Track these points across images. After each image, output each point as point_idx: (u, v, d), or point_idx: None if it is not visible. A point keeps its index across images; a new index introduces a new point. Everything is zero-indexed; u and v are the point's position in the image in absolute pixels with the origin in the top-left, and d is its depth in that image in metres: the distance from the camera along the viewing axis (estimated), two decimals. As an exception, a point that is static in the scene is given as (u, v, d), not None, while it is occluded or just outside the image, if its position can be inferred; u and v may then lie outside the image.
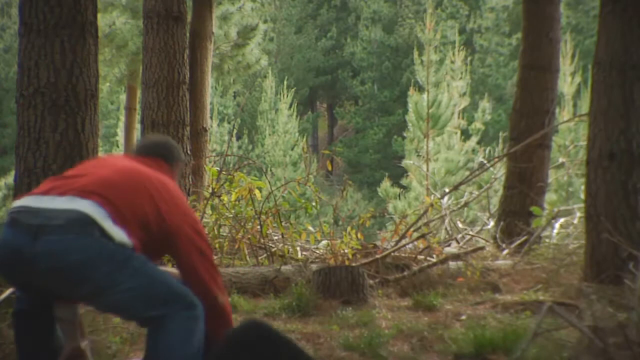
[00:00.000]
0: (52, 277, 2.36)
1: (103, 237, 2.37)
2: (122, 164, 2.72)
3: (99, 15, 5.49)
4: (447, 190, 10.09)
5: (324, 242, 6.58)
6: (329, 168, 13.96)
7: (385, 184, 17.85)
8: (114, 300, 2.39)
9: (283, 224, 6.35)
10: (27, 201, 2.49)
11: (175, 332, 2.40)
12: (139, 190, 2.55)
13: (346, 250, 5.98)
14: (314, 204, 6.59)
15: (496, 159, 9.86)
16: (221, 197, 6.45)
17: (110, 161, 2.85)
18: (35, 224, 2.36)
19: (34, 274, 2.36)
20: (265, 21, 22.99)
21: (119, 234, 2.40)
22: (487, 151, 15.80)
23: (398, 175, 19.73)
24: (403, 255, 6.11)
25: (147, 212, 2.52)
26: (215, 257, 6.34)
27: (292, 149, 22.90)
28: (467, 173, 12.76)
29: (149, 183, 2.59)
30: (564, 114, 15.02)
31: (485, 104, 19.63)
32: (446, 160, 16.11)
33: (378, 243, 6.57)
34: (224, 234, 6.43)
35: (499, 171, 9.32)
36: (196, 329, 2.46)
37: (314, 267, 5.49)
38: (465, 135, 17.76)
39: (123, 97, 18.81)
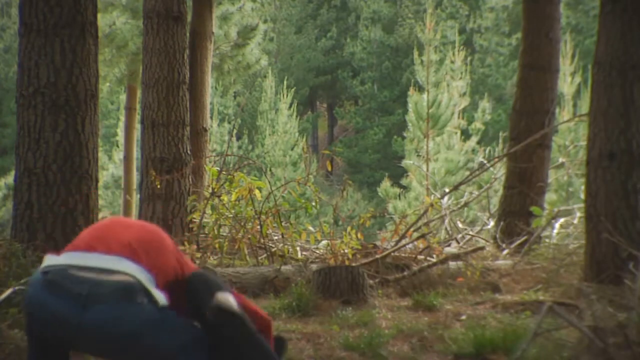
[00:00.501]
0: (98, 346, 2.33)
1: (150, 302, 2.33)
2: (139, 222, 2.74)
3: (99, 15, 5.49)
4: (447, 190, 10.09)
5: (324, 242, 6.58)
6: (329, 168, 13.97)
7: (385, 184, 17.85)
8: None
9: (283, 224, 6.35)
10: (70, 259, 2.39)
11: None
12: (166, 247, 2.57)
13: (346, 250, 5.98)
14: (314, 204, 6.59)
15: (496, 159, 9.86)
16: (221, 197, 6.45)
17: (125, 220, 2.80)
18: (84, 293, 2.28)
19: (75, 341, 2.31)
20: (265, 21, 23.00)
21: (161, 298, 2.38)
22: (487, 151, 15.80)
23: (398, 175, 19.73)
24: (403, 255, 6.11)
25: (174, 268, 2.55)
26: (215, 257, 6.36)
27: (292, 149, 22.89)
28: (467, 173, 12.76)
29: (167, 239, 2.64)
30: (564, 114, 15.02)
31: (485, 104, 19.63)
32: (446, 160, 16.11)
33: (378, 243, 6.57)
34: (224, 234, 6.43)
35: (499, 171, 9.32)
36: None
37: (314, 267, 5.49)
38: (465, 135, 17.76)
39: (123, 97, 18.81)
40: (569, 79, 16.11)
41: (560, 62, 8.62)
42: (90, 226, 2.72)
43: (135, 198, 13.29)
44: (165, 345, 2.35)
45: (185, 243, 6.10)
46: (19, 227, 4.77)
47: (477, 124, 18.22)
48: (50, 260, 2.43)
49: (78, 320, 2.24)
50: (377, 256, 5.87)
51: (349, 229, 6.24)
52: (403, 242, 6.49)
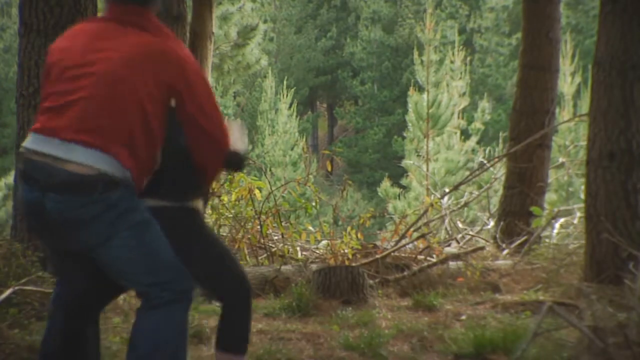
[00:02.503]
0: (61, 229, 2.39)
1: (107, 187, 2.36)
2: (102, 61, 2.46)
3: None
4: (447, 190, 10.09)
5: (324, 242, 6.58)
6: (329, 168, 13.97)
7: (385, 184, 17.85)
8: (114, 254, 2.42)
9: (283, 224, 6.35)
10: (32, 143, 2.42)
11: (165, 320, 2.45)
12: (127, 104, 2.43)
13: (346, 250, 5.99)
14: (314, 204, 6.59)
15: (496, 159, 9.86)
16: (221, 197, 6.45)
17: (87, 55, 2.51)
18: (41, 179, 2.35)
19: (47, 226, 2.41)
20: (265, 21, 23.03)
21: (122, 173, 2.38)
22: (487, 151, 15.80)
23: (398, 175, 19.73)
24: (403, 255, 6.11)
25: (135, 124, 2.43)
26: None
27: (292, 149, 22.89)
28: (467, 173, 12.76)
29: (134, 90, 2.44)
30: (564, 114, 15.02)
31: (485, 104, 19.63)
32: (446, 160, 16.11)
33: (378, 243, 6.57)
34: (224, 234, 6.43)
35: (499, 171, 9.32)
36: (183, 322, 2.49)
37: (314, 267, 5.49)
38: (465, 135, 17.76)
39: (123, 97, 18.77)
40: (569, 79, 16.11)
41: (560, 62, 8.61)
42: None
43: (135, 198, 13.25)
44: (120, 233, 2.40)
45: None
46: (19, 227, 4.77)
47: (477, 124, 18.22)
48: (24, 143, 2.46)
49: (41, 204, 2.36)
50: (377, 256, 5.87)
51: (349, 229, 6.24)
52: (403, 242, 6.49)
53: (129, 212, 2.43)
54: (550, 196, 10.98)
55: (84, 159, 2.34)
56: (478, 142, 17.73)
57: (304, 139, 25.30)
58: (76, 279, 2.63)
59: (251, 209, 6.29)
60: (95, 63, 2.42)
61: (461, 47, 18.99)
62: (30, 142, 2.43)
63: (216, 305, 3.68)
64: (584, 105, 14.27)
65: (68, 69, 2.47)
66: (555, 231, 7.13)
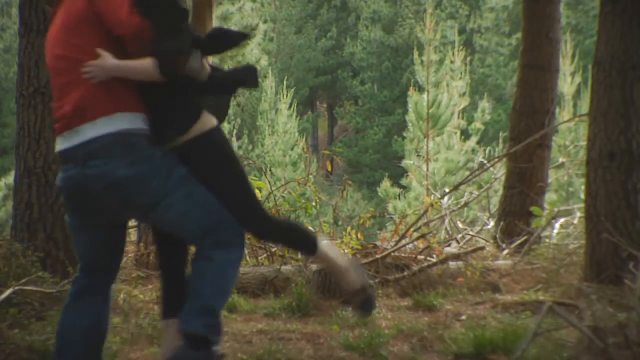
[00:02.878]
0: (108, 194, 2.52)
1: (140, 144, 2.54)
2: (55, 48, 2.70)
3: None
4: (447, 190, 10.09)
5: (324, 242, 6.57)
6: (329, 168, 13.97)
7: (385, 184, 17.85)
8: (169, 212, 2.59)
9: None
10: (61, 144, 2.60)
11: (223, 266, 2.65)
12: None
13: (346, 250, 5.98)
14: (314, 204, 6.59)
15: (496, 159, 9.86)
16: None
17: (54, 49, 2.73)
18: (80, 154, 2.51)
19: (91, 197, 2.54)
20: (265, 21, 23.04)
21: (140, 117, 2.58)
22: (487, 151, 15.80)
23: (398, 175, 19.73)
24: (403, 255, 6.11)
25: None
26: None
27: (292, 149, 22.89)
28: (467, 173, 12.76)
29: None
30: (564, 114, 15.02)
31: (485, 104, 19.63)
32: (446, 160, 16.11)
33: (378, 243, 6.57)
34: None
35: (499, 171, 9.32)
36: (236, 269, 2.72)
37: (314, 267, 5.49)
38: (465, 135, 17.76)
39: (123, 97, 18.78)
40: (569, 79, 16.11)
41: (560, 62, 8.61)
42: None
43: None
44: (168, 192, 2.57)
45: (185, 243, 6.09)
46: (19, 227, 4.77)
47: (477, 124, 18.22)
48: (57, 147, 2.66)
49: (82, 176, 2.51)
50: (377, 256, 5.87)
51: (349, 229, 6.24)
52: (403, 242, 6.49)
53: (174, 167, 2.61)
54: (550, 196, 10.98)
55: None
56: (478, 142, 17.73)
57: (304, 139, 25.29)
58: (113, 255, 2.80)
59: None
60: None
61: (461, 47, 18.99)
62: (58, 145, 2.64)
63: None
64: (584, 105, 14.27)
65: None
66: (555, 231, 7.13)
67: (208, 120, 2.78)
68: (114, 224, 2.73)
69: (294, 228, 3.01)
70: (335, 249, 3.14)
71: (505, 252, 6.61)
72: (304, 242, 2.99)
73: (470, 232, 7.88)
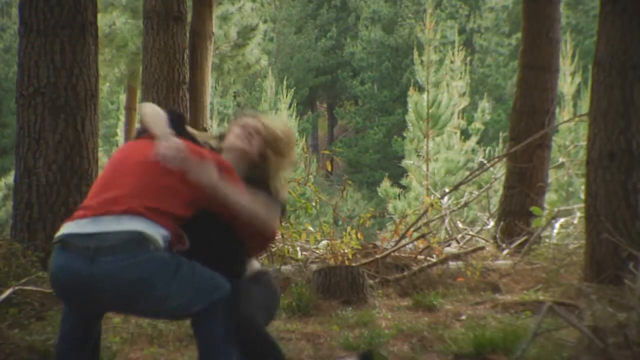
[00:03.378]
0: (110, 297, 2.39)
1: (154, 248, 2.40)
2: (140, 162, 2.58)
3: (99, 15, 5.50)
4: (447, 190, 10.09)
5: (324, 242, 6.58)
6: (329, 168, 13.96)
7: (385, 184, 17.84)
8: (169, 309, 2.49)
9: (283, 224, 6.35)
10: (75, 227, 2.43)
11: (219, 318, 2.51)
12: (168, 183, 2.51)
13: (346, 250, 5.98)
14: (314, 204, 6.59)
15: (496, 159, 9.86)
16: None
17: (128, 163, 2.62)
18: (92, 246, 2.35)
19: (91, 295, 2.39)
20: (265, 21, 23.01)
21: (164, 235, 2.43)
22: (487, 151, 15.80)
23: (398, 175, 19.72)
24: (403, 255, 6.11)
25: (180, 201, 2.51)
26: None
27: (292, 149, 22.83)
28: (467, 173, 12.76)
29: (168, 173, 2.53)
30: (564, 114, 15.02)
31: (485, 104, 19.62)
32: (446, 160, 16.10)
33: (378, 243, 6.57)
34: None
35: (499, 171, 9.32)
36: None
37: (314, 267, 5.49)
38: (465, 135, 17.75)
39: (123, 97, 18.80)
40: (569, 79, 16.11)
41: (560, 62, 8.62)
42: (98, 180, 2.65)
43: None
44: (174, 291, 2.44)
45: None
46: (19, 227, 4.77)
47: (477, 124, 18.21)
48: (62, 230, 2.48)
49: (88, 273, 2.33)
50: (377, 256, 5.87)
51: (349, 229, 6.24)
52: (403, 242, 6.49)
53: (179, 267, 2.46)
54: (550, 196, 10.98)
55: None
56: (478, 142, 17.72)
57: (304, 139, 25.28)
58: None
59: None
60: None
61: (461, 47, 18.98)
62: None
63: None
64: (584, 105, 14.27)
65: None
66: (555, 231, 7.13)
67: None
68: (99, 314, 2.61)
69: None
70: None
71: (505, 252, 6.61)
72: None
73: (470, 232, 7.88)
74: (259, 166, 2.69)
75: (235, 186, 2.54)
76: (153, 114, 2.66)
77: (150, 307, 2.47)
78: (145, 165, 2.54)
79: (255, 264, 2.81)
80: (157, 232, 2.41)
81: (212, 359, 2.51)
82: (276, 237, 2.51)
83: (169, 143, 2.49)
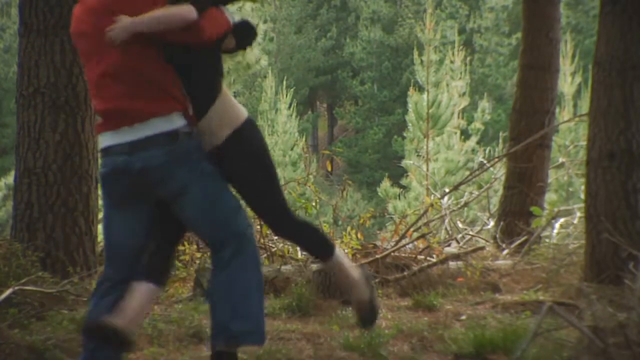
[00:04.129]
0: (145, 178, 2.73)
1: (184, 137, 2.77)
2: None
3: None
4: (447, 190, 10.09)
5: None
6: (329, 168, 13.96)
7: (385, 184, 17.85)
8: (190, 203, 2.78)
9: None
10: (111, 139, 2.78)
11: (239, 273, 2.79)
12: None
13: (346, 250, 5.98)
14: (314, 204, 6.59)
15: (496, 159, 9.86)
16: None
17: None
18: (127, 144, 2.73)
19: (131, 179, 2.74)
20: (265, 21, 23.03)
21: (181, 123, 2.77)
22: (487, 151, 15.81)
23: (398, 175, 19.73)
24: (403, 255, 6.11)
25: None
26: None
27: (292, 149, 22.89)
28: (467, 173, 12.76)
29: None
30: (564, 114, 15.03)
31: (485, 104, 19.63)
32: (446, 160, 16.11)
33: (378, 243, 6.57)
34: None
35: (499, 171, 9.32)
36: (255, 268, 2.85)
37: (314, 267, 5.49)
38: (465, 135, 17.76)
39: (123, 97, 18.77)
40: (569, 79, 16.12)
41: (560, 62, 8.62)
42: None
43: (135, 198, 13.25)
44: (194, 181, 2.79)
45: (185, 243, 6.10)
46: (19, 227, 4.77)
47: (477, 124, 18.23)
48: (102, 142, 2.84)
49: (128, 163, 2.72)
50: (377, 256, 5.87)
51: (349, 229, 6.24)
52: (403, 242, 6.49)
53: (201, 161, 2.79)
54: (550, 196, 10.98)
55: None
56: (478, 142, 17.73)
57: (304, 139, 25.29)
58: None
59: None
60: None
61: (461, 47, 18.99)
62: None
63: None
64: (584, 105, 14.28)
65: None
66: (555, 231, 7.13)
67: (240, 114, 2.90)
68: (148, 214, 2.86)
69: (314, 230, 3.08)
70: (348, 259, 3.19)
71: (505, 252, 6.61)
72: (321, 246, 3.05)
73: (470, 232, 7.88)
74: None
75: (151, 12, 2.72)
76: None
77: (171, 194, 2.78)
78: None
79: None
80: (178, 119, 2.80)
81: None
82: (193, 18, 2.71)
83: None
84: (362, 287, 3.10)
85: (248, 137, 2.88)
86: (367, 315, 3.18)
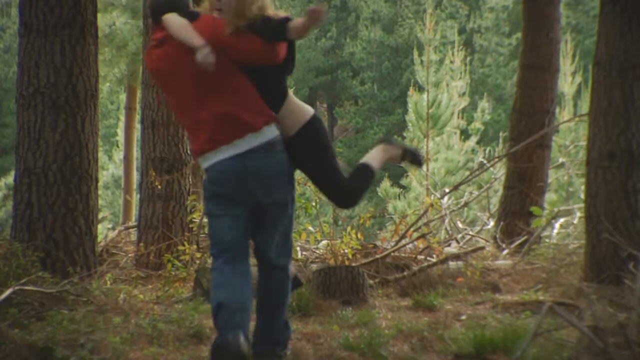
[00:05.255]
0: (257, 183, 3.24)
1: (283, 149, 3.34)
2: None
3: (99, 15, 5.50)
4: (447, 190, 10.09)
5: (324, 242, 6.58)
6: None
7: (385, 184, 17.83)
8: (287, 218, 3.40)
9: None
10: (219, 155, 3.26)
11: (286, 279, 3.53)
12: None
13: (346, 250, 5.98)
14: (313, 204, 6.59)
15: (496, 159, 9.86)
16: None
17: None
18: (242, 152, 3.22)
19: (243, 181, 3.23)
20: (265, 21, 22.88)
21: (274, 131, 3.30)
22: (487, 151, 15.80)
23: (398, 175, 19.71)
24: (403, 255, 6.11)
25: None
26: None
27: (292, 149, 22.86)
28: (467, 173, 12.76)
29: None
30: (564, 114, 15.01)
31: (485, 104, 19.62)
32: (446, 160, 16.10)
33: (378, 243, 6.57)
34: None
35: (499, 171, 9.32)
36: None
37: (314, 267, 5.49)
38: (465, 135, 17.75)
39: (123, 97, 18.80)
40: (569, 79, 16.10)
41: (560, 62, 8.62)
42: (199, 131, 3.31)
43: (135, 198, 13.29)
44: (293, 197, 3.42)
45: (185, 243, 6.10)
46: (19, 227, 4.77)
47: (477, 124, 18.21)
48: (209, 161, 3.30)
49: (241, 167, 3.21)
50: (377, 256, 5.87)
51: (349, 229, 6.24)
52: (403, 242, 6.49)
53: (293, 180, 3.42)
54: (550, 196, 10.98)
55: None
56: (478, 142, 17.72)
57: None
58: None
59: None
60: None
61: (461, 47, 18.97)
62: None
63: None
64: (584, 105, 14.27)
65: None
66: (555, 231, 7.13)
67: (306, 112, 3.45)
68: (248, 214, 3.33)
69: (358, 175, 3.65)
70: (374, 154, 3.76)
71: (505, 252, 6.61)
72: (370, 177, 3.64)
73: (470, 232, 7.88)
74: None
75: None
76: (180, 25, 3.24)
77: (282, 202, 3.36)
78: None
79: None
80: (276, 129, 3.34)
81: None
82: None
83: (204, 54, 3.15)
84: (391, 150, 3.81)
85: (314, 130, 3.43)
86: (413, 160, 3.91)
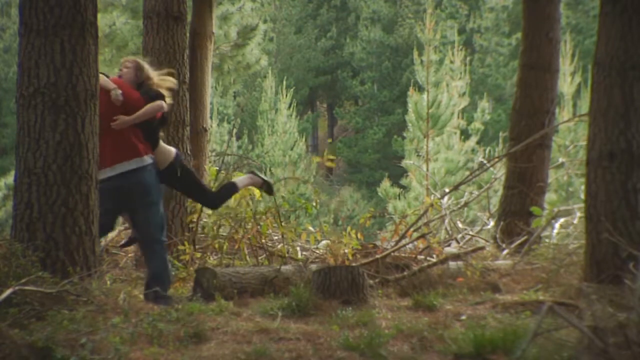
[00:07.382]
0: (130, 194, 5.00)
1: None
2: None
3: (99, 15, 5.48)
4: (447, 190, 10.09)
5: (324, 242, 6.58)
6: (332, 165, 13.94)
7: (385, 184, 17.85)
8: (151, 217, 5.14)
9: (283, 223, 6.36)
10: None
11: (165, 258, 5.22)
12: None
13: (346, 250, 5.99)
14: (314, 204, 6.60)
15: (496, 159, 9.86)
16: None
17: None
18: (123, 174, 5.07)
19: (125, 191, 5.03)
20: (265, 21, 22.99)
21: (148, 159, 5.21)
22: (487, 151, 15.81)
23: (398, 175, 19.73)
24: (403, 255, 6.12)
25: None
26: (215, 257, 6.35)
27: (292, 149, 22.90)
28: (467, 173, 12.77)
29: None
30: (564, 114, 15.03)
31: (485, 104, 19.63)
32: (446, 160, 16.11)
33: (378, 243, 6.57)
34: (224, 234, 6.43)
35: (499, 171, 9.32)
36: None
37: (313, 267, 5.49)
38: (465, 135, 17.75)
39: (123, 97, 18.75)
40: (569, 79, 16.12)
41: (560, 62, 8.62)
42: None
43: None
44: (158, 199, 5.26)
45: (185, 243, 6.11)
46: (19, 227, 4.77)
47: (477, 124, 18.22)
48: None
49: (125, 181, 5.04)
50: (377, 256, 5.87)
51: (349, 229, 6.24)
52: (403, 242, 6.49)
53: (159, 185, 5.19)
54: (550, 196, 10.98)
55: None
56: (478, 142, 17.73)
57: (304, 139, 25.28)
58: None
59: (251, 209, 6.29)
60: None
61: (461, 47, 18.99)
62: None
63: None
64: (584, 105, 14.28)
65: None
66: (555, 231, 7.13)
67: (170, 155, 5.35)
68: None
69: (226, 189, 5.71)
70: (243, 178, 5.79)
71: (505, 252, 6.61)
72: (233, 191, 5.69)
73: (470, 232, 7.89)
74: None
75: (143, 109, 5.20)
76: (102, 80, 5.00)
77: (150, 202, 5.16)
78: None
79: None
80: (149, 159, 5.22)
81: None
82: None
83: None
84: (252, 180, 5.72)
85: (178, 166, 5.34)
86: (265, 188, 5.80)
